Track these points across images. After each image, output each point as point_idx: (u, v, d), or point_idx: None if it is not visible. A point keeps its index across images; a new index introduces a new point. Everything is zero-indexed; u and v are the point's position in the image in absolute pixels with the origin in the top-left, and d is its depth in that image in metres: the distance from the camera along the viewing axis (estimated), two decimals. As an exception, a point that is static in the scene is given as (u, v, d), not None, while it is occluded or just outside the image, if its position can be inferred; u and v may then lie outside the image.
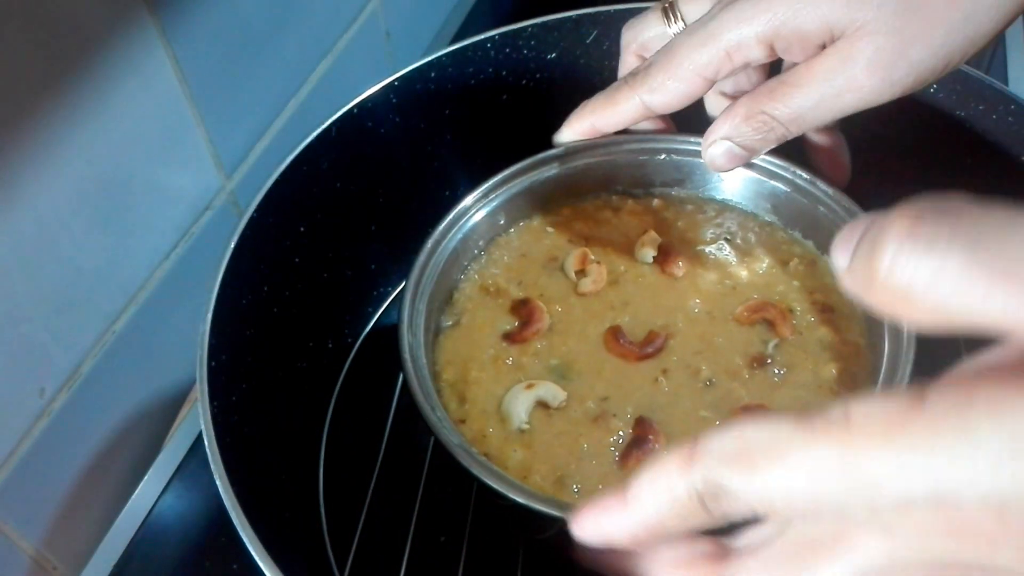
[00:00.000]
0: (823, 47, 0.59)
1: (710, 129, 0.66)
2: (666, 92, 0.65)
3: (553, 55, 0.85)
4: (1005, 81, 1.05)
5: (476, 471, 0.58)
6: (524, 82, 0.85)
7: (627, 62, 0.73)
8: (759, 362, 0.66)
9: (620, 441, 0.63)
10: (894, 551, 0.35)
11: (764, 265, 0.72)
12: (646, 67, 0.67)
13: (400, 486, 0.77)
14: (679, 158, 0.76)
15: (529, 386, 0.66)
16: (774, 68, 0.66)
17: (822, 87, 0.59)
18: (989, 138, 0.75)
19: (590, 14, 0.83)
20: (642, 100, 0.67)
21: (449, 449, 0.60)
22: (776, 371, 0.66)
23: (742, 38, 0.60)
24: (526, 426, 0.65)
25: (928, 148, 0.80)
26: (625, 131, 0.72)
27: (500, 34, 0.83)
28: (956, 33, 0.56)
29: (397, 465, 0.79)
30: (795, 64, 0.61)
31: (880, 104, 0.59)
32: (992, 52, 1.09)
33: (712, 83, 0.64)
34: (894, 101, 0.59)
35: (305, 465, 0.78)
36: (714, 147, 0.66)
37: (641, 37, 0.71)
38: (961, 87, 0.76)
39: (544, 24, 0.83)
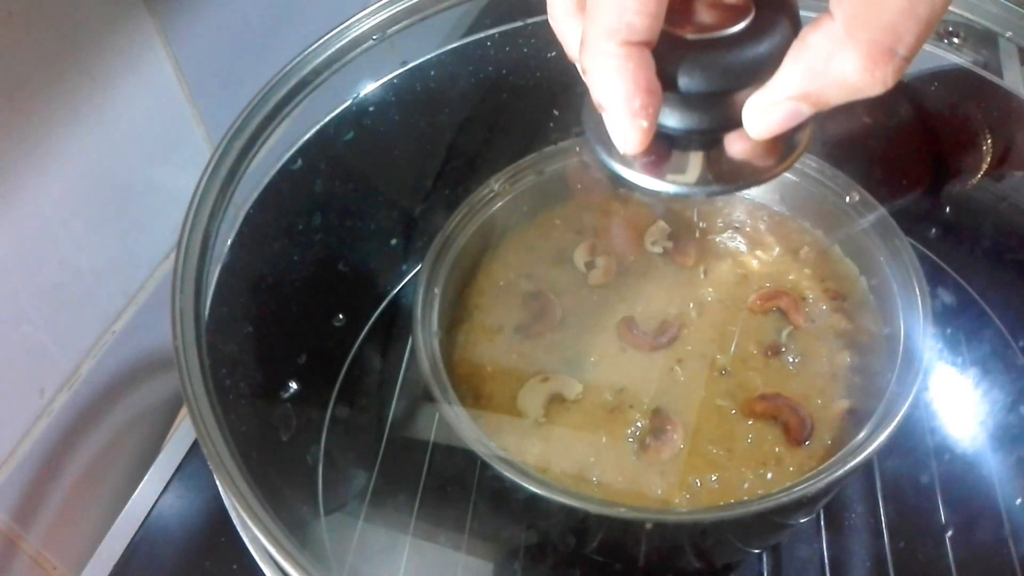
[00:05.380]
0: None
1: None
2: None
3: (553, 54, 0.85)
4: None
5: (496, 466, 0.59)
6: (524, 82, 0.85)
7: None
8: (774, 351, 0.67)
9: (638, 432, 0.63)
10: None
11: (775, 254, 0.73)
12: None
13: (400, 486, 0.77)
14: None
15: (544, 379, 0.66)
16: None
17: None
18: (990, 137, 0.76)
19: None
20: None
21: (468, 445, 0.60)
22: (791, 359, 0.66)
23: None
24: (543, 419, 0.65)
25: (928, 148, 0.80)
26: None
27: (500, 33, 0.83)
28: None
29: (397, 465, 0.79)
30: None
31: None
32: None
33: None
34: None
35: (305, 465, 0.78)
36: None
37: None
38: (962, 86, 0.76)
39: (544, 23, 0.83)
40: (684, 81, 0.41)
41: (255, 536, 0.54)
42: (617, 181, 0.46)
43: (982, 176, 0.78)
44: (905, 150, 0.81)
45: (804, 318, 0.68)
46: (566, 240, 0.76)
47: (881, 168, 0.73)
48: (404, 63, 0.79)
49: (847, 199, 0.70)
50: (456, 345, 0.70)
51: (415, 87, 0.81)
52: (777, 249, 0.73)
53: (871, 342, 0.67)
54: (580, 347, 0.68)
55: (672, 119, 0.43)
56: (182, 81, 0.80)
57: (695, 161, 0.45)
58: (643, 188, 0.45)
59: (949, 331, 0.81)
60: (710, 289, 0.71)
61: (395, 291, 0.90)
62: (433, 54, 0.82)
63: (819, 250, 0.73)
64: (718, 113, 0.43)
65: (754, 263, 0.73)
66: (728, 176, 0.45)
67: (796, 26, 0.40)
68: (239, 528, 0.56)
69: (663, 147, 0.45)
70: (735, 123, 0.42)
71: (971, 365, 0.78)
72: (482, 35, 0.83)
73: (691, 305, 0.70)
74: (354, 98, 0.78)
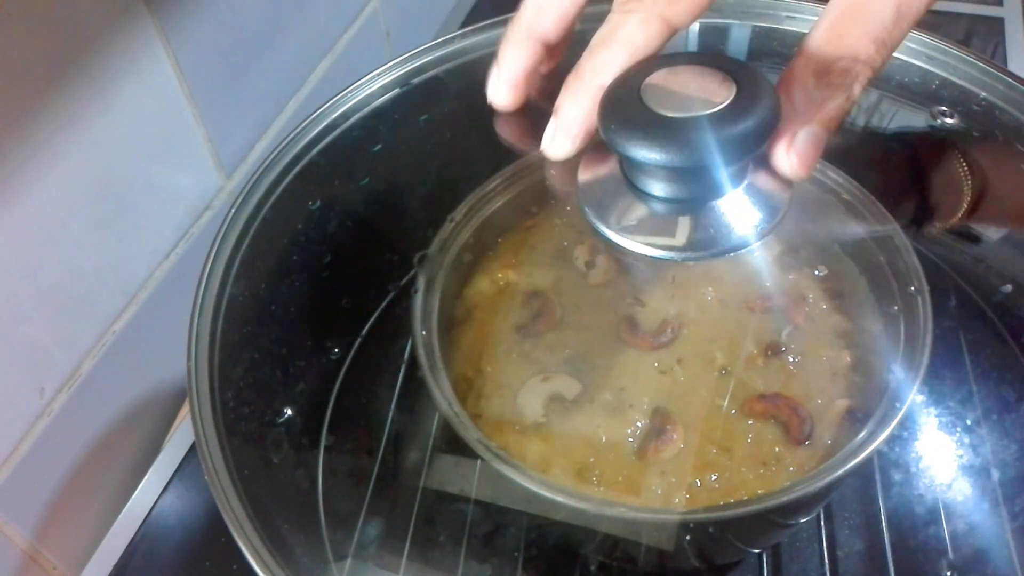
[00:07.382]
0: None
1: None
2: None
3: (553, 54, 0.85)
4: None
5: (497, 466, 0.58)
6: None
7: None
8: (774, 350, 0.66)
9: (638, 432, 0.63)
10: None
11: (774, 252, 0.72)
12: None
13: (400, 486, 0.77)
14: None
15: (544, 379, 0.65)
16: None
17: None
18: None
19: (590, 12, 0.83)
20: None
21: (469, 445, 0.59)
22: (791, 359, 0.66)
23: None
24: (543, 419, 0.64)
25: (927, 145, 0.80)
26: None
27: (498, 30, 0.83)
28: None
29: (396, 465, 0.79)
30: None
31: None
32: (993, 49, 1.10)
33: None
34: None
35: (304, 465, 0.78)
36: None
37: None
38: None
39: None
40: (669, 157, 0.45)
41: (256, 537, 0.55)
42: (607, 246, 0.50)
43: (982, 176, 0.78)
44: (906, 149, 0.81)
45: (804, 317, 0.68)
46: (566, 239, 0.75)
47: (882, 168, 0.73)
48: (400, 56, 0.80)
49: (847, 198, 0.70)
50: (456, 345, 0.70)
51: (411, 85, 0.81)
52: (777, 248, 0.73)
53: (871, 342, 0.66)
54: (580, 347, 0.68)
55: (659, 190, 0.48)
56: (182, 81, 0.80)
57: (682, 228, 0.50)
58: (632, 253, 0.51)
59: (948, 331, 0.81)
60: (709, 288, 0.71)
61: (395, 291, 0.89)
62: (431, 53, 0.82)
63: (819, 249, 0.72)
64: (703, 184, 0.48)
65: (754, 262, 0.72)
66: (709, 243, 0.50)
67: (774, 107, 0.44)
68: (240, 528, 0.56)
69: (652, 215, 0.50)
70: (719, 193, 0.48)
71: (971, 365, 0.77)
72: (481, 33, 0.83)
73: (690, 304, 0.70)
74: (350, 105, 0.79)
